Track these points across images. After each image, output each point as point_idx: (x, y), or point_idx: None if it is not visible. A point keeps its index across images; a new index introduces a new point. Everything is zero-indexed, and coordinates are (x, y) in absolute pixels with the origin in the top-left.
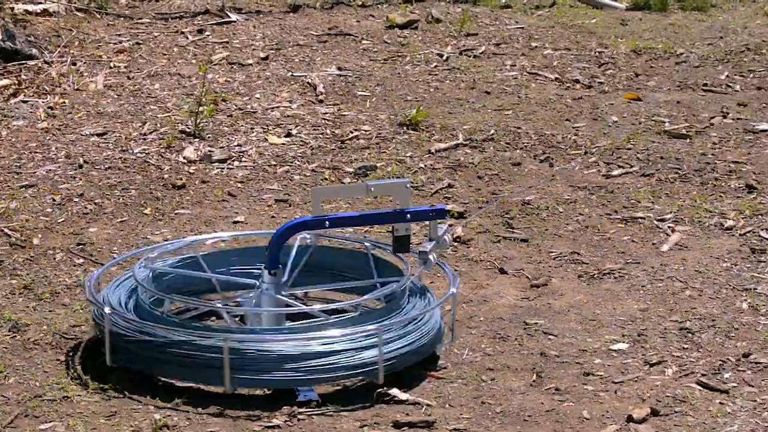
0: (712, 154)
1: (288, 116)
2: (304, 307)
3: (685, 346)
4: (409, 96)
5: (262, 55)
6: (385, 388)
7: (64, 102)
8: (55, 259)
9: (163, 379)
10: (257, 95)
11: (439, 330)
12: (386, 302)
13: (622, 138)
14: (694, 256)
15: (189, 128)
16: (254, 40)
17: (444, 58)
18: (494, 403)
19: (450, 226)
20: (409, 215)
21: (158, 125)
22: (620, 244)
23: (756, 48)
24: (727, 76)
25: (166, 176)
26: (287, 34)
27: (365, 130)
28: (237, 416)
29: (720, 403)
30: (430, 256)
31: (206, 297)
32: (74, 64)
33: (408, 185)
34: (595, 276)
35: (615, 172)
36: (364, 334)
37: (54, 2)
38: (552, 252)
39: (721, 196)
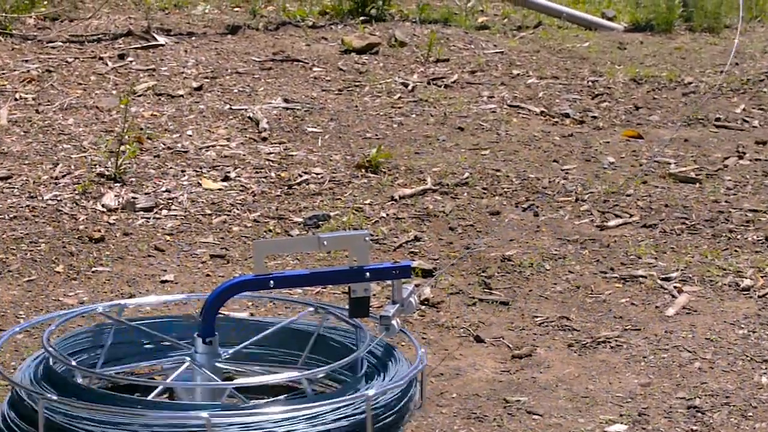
0: (726, 202)
1: (225, 157)
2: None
3: (694, 427)
4: (368, 133)
5: (194, 84)
6: None
7: None
8: None
9: None
10: (189, 132)
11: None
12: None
13: (619, 182)
14: (704, 322)
15: (108, 171)
16: (185, 67)
17: (409, 88)
18: None
19: (417, 286)
20: (368, 273)
21: (72, 167)
22: (617, 307)
23: None
24: (744, 109)
25: (81, 227)
26: (225, 60)
27: (316, 173)
28: None
29: None
30: (393, 322)
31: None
32: None
33: (367, 238)
34: (588, 345)
35: (611, 223)
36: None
37: None
38: (537, 317)
39: (736, 251)
